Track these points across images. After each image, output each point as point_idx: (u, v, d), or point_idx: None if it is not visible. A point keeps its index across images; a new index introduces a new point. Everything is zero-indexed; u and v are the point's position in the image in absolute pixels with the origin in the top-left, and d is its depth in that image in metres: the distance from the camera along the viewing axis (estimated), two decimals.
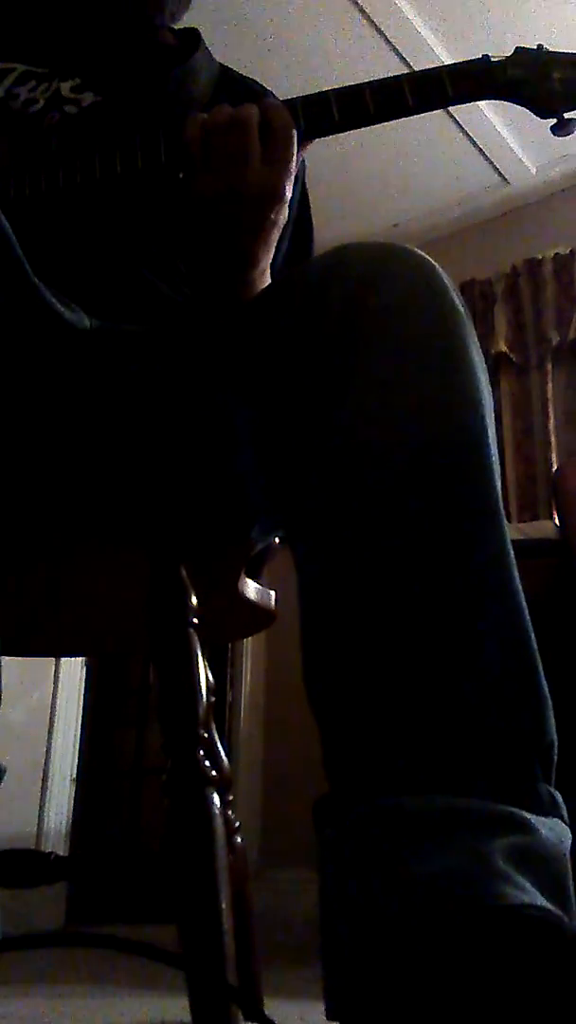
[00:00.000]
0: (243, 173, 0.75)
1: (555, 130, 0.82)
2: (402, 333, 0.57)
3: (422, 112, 0.82)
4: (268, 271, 0.82)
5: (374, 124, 0.81)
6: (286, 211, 0.79)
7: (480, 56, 0.81)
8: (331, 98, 0.80)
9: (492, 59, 0.81)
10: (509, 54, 0.82)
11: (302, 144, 0.79)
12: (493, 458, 0.56)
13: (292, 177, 0.78)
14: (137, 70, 0.97)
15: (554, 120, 0.81)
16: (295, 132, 0.77)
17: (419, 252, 0.62)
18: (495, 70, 0.81)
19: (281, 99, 0.81)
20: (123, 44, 0.98)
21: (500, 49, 0.83)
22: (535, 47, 0.82)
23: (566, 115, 0.81)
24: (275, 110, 0.78)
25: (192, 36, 1.03)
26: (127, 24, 0.98)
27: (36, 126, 0.90)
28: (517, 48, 0.82)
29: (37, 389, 0.75)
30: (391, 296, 0.58)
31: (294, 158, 0.77)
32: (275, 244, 0.81)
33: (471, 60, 0.81)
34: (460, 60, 0.83)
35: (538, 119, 0.84)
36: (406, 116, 0.82)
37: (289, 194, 0.78)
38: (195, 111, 0.80)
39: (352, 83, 0.82)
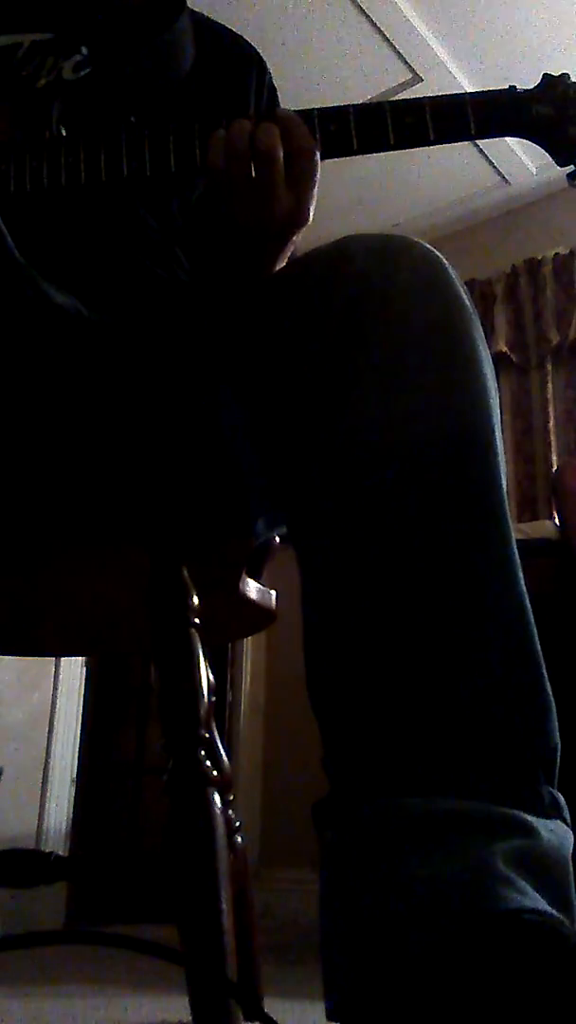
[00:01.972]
0: (270, 204, 0.73)
1: (571, 179, 0.79)
2: (406, 328, 0.56)
3: (442, 144, 0.78)
4: None
5: (393, 151, 0.78)
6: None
7: (507, 87, 0.77)
8: (351, 120, 0.76)
9: (518, 91, 0.77)
10: (535, 86, 0.78)
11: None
12: (499, 455, 0.56)
13: (315, 200, 0.76)
14: (117, 34, 0.94)
15: (572, 168, 0.78)
16: (318, 155, 0.74)
17: (424, 244, 0.61)
18: (521, 106, 0.77)
19: (281, 98, 0.79)
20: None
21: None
22: (561, 74, 0.78)
23: None
24: (295, 131, 0.74)
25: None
26: None
27: (40, 108, 0.88)
28: (544, 76, 0.78)
29: (35, 389, 0.75)
30: (395, 290, 0.57)
31: (317, 181, 0.75)
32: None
33: (496, 91, 0.77)
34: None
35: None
36: (426, 147, 0.78)
37: (311, 218, 0.76)
38: (179, 81, 0.76)
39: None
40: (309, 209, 0.75)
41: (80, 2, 0.95)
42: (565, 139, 0.77)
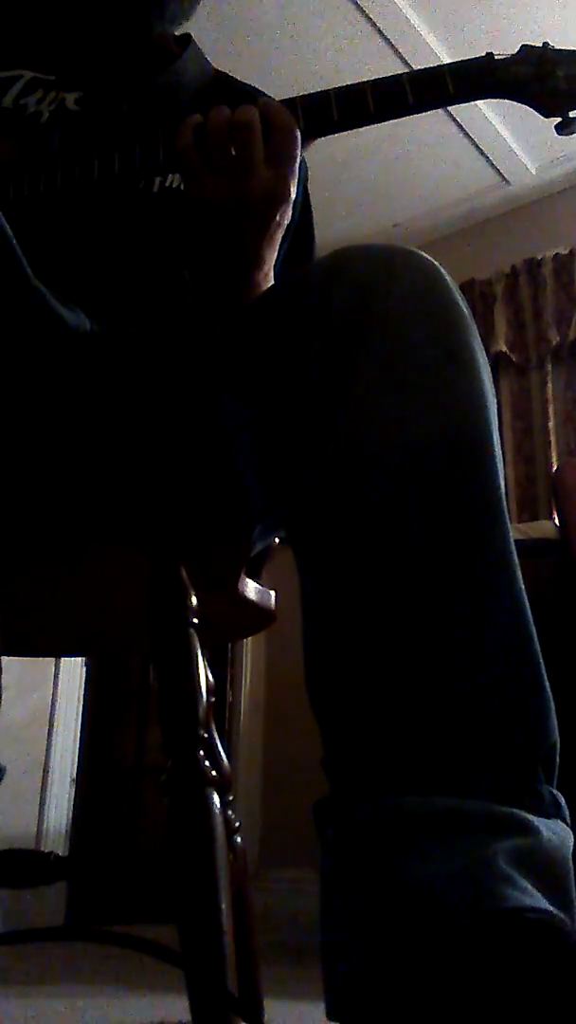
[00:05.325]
0: (248, 178, 0.75)
1: (559, 129, 0.81)
2: (405, 335, 0.57)
3: (423, 111, 0.80)
4: (272, 272, 0.82)
5: (374, 123, 0.80)
6: (290, 211, 0.79)
7: (484, 54, 0.80)
8: (331, 97, 0.79)
9: (496, 57, 0.79)
10: (514, 52, 0.80)
11: (304, 144, 0.78)
12: (497, 459, 0.56)
13: (296, 178, 0.77)
14: (126, 72, 0.97)
15: (559, 119, 0.80)
16: (298, 132, 0.76)
17: (422, 253, 0.61)
18: (498, 69, 0.79)
19: (278, 98, 0.80)
20: (118, 47, 0.98)
21: (500, 47, 0.82)
22: (540, 45, 0.80)
23: (571, 114, 0.79)
24: (275, 110, 0.77)
25: (184, 41, 1.03)
26: (124, 25, 0.98)
27: (42, 136, 0.90)
28: (522, 46, 0.80)
29: (37, 391, 0.75)
30: (394, 298, 0.58)
31: (297, 158, 0.77)
32: (279, 244, 0.81)
33: (474, 58, 0.80)
34: (458, 55, 0.81)
35: (539, 119, 0.83)
36: (407, 115, 0.80)
37: (294, 194, 0.78)
38: (184, 111, 0.79)
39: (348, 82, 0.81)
40: (289, 186, 0.77)
41: (78, 46, 0.97)
42: (546, 91, 0.79)
